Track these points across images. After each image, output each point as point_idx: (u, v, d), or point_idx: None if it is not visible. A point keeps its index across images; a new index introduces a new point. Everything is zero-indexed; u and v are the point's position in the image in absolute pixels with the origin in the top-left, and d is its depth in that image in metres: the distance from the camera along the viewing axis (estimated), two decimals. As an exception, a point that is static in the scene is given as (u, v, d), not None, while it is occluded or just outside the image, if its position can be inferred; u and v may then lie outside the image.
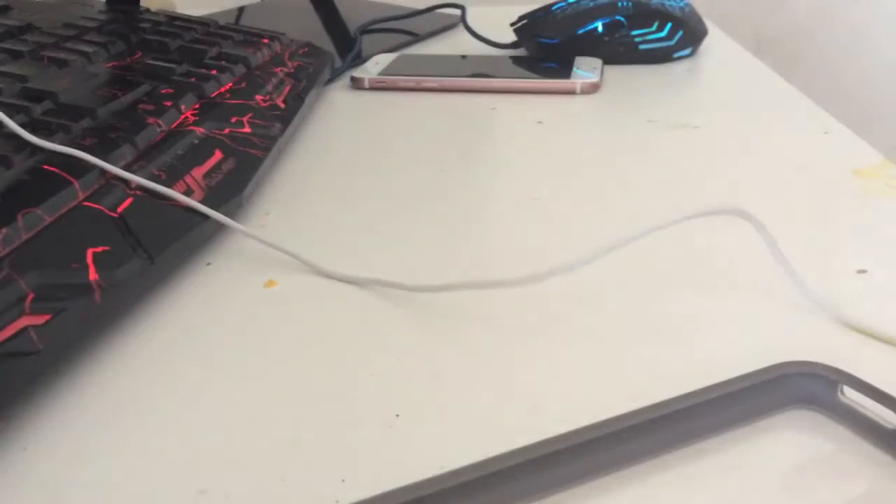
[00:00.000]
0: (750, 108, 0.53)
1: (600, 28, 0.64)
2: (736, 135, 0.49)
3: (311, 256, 0.35)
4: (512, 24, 0.68)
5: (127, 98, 0.40)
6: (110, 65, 0.46)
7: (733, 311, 0.31)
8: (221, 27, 0.57)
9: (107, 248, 0.30)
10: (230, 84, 0.47)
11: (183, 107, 0.42)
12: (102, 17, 0.54)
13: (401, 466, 0.24)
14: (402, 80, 0.59)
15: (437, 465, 0.24)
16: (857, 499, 0.23)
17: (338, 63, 0.64)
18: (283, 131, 0.45)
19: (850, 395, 0.25)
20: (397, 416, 0.26)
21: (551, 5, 0.66)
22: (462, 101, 0.57)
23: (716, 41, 0.70)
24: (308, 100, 0.52)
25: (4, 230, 0.28)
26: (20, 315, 0.26)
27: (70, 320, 0.27)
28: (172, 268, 0.34)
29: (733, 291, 0.33)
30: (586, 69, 0.60)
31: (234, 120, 0.43)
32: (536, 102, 0.56)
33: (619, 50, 0.64)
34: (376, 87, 0.60)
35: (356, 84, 0.60)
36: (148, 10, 0.58)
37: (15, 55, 0.44)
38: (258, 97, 0.47)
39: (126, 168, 0.35)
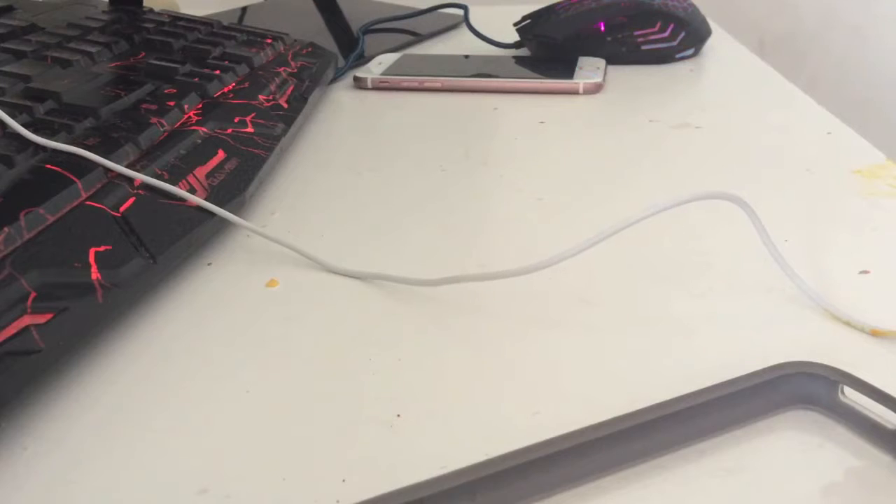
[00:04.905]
0: (753, 109, 0.53)
1: (603, 28, 0.64)
2: (739, 135, 0.49)
3: (315, 254, 0.35)
4: (515, 24, 0.68)
5: (130, 98, 0.41)
6: (113, 65, 0.46)
7: (734, 312, 0.31)
8: (224, 27, 0.57)
9: (109, 247, 0.30)
10: (233, 84, 0.47)
11: (186, 107, 0.42)
12: (106, 17, 0.54)
13: (402, 467, 0.24)
14: (405, 80, 0.60)
15: (438, 465, 0.24)
16: (858, 499, 0.23)
17: (341, 63, 0.64)
18: (286, 131, 0.45)
19: (851, 396, 0.25)
20: (398, 416, 0.26)
21: (554, 5, 0.66)
22: (465, 101, 0.57)
23: (719, 42, 0.70)
24: (311, 100, 0.52)
25: (7, 229, 0.28)
26: (22, 314, 0.26)
27: (72, 319, 0.27)
28: (174, 267, 0.34)
29: (735, 291, 0.33)
30: (589, 69, 0.60)
31: (237, 120, 0.43)
32: (539, 102, 0.56)
33: (621, 50, 0.64)
34: (379, 87, 0.60)
35: (359, 84, 0.60)
36: (151, 11, 0.58)
37: (18, 55, 0.44)
38: (261, 97, 0.47)
39: (128, 168, 0.35)
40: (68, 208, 0.31)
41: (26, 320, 0.26)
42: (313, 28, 0.74)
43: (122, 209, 0.32)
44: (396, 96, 0.58)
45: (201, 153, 0.39)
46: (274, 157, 0.43)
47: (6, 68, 0.41)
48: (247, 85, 0.48)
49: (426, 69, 0.61)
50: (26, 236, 0.29)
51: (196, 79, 0.45)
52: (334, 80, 0.62)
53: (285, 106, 0.48)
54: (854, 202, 0.40)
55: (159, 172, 0.36)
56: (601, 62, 0.62)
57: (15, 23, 0.48)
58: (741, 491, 0.23)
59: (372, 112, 0.55)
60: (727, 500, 0.23)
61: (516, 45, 0.68)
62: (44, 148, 0.34)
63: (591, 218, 0.39)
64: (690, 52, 0.66)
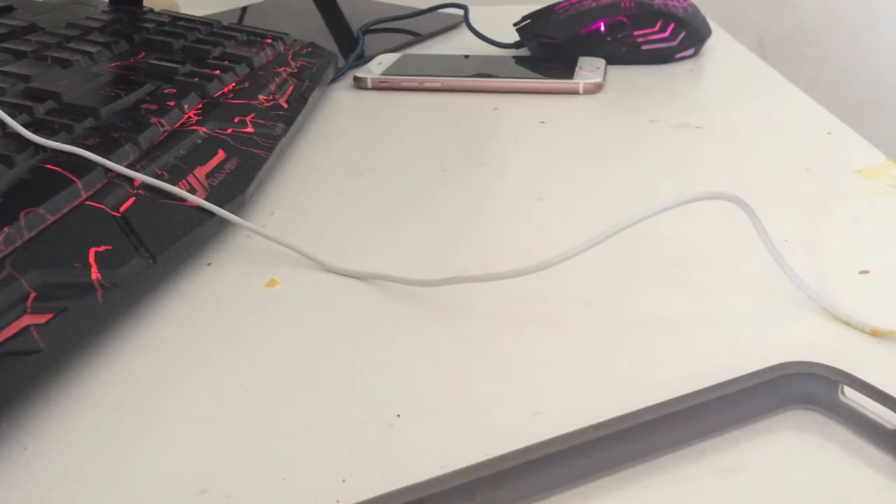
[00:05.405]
0: (753, 109, 0.53)
1: (603, 28, 0.64)
2: (738, 135, 0.49)
3: (315, 254, 0.35)
4: (515, 24, 0.68)
5: (130, 98, 0.41)
6: (113, 65, 0.46)
7: (734, 312, 0.31)
8: (224, 27, 0.57)
9: (109, 247, 0.30)
10: (233, 84, 0.47)
11: (186, 107, 0.42)
12: (106, 17, 0.54)
13: (402, 467, 0.24)
14: (405, 80, 0.60)
15: (438, 465, 0.24)
16: (858, 499, 0.23)
17: (341, 63, 0.64)
18: (286, 131, 0.45)
19: (851, 396, 0.25)
20: (398, 415, 0.26)
21: (554, 5, 0.66)
22: (465, 101, 0.57)
23: (719, 41, 0.70)
24: (311, 100, 0.52)
25: (7, 229, 0.28)
26: (22, 314, 0.26)
27: (72, 319, 0.27)
28: (174, 267, 0.34)
29: (735, 291, 0.33)
30: (589, 69, 0.60)
31: (237, 120, 0.43)
32: (539, 102, 0.56)
33: (621, 50, 0.64)
34: (379, 87, 0.60)
35: (359, 84, 0.60)
36: (151, 11, 0.58)
37: (18, 55, 0.44)
38: (261, 97, 0.47)
39: (128, 168, 0.35)
40: (68, 208, 0.31)
41: (26, 320, 0.26)
42: (313, 28, 0.74)
43: (122, 209, 0.32)
44: (396, 96, 0.58)
45: (201, 153, 0.39)
46: (274, 157, 0.43)
47: (6, 68, 0.41)
48: (247, 85, 0.48)
49: (426, 69, 0.61)
50: (26, 236, 0.29)
51: (196, 79, 0.45)
52: (334, 80, 0.62)
53: (285, 106, 0.48)
54: (854, 202, 0.40)
55: (159, 172, 0.36)
56: (601, 62, 0.62)
57: (15, 23, 0.48)
58: (741, 491, 0.23)
59: (372, 112, 0.55)
60: (727, 500, 0.23)
61: (516, 45, 0.68)
62: (44, 148, 0.34)
63: (591, 218, 0.39)
64: (690, 52, 0.66)
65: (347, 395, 0.27)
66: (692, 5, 0.66)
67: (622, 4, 0.63)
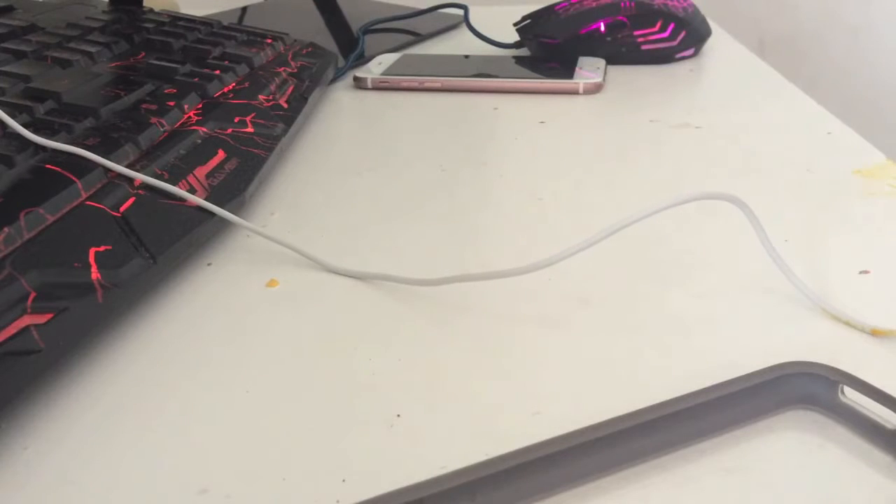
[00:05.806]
0: (753, 109, 0.53)
1: (603, 28, 0.64)
2: (739, 135, 0.49)
3: (315, 254, 0.35)
4: (515, 24, 0.68)
5: (130, 98, 0.41)
6: (113, 65, 0.46)
7: (734, 312, 0.31)
8: (224, 27, 0.57)
9: (109, 247, 0.30)
10: (233, 84, 0.47)
11: (186, 107, 0.42)
12: (106, 17, 0.54)
13: (402, 467, 0.24)
14: (404, 80, 0.60)
15: (438, 465, 0.24)
16: (858, 499, 0.23)
17: (341, 63, 0.64)
18: (286, 131, 0.45)
19: (851, 396, 0.25)
20: (398, 416, 0.26)
21: (554, 5, 0.66)
22: (465, 101, 0.57)
23: (719, 42, 0.70)
24: (311, 100, 0.52)
25: (7, 229, 0.28)
26: (22, 314, 0.26)
27: (72, 319, 0.27)
28: (174, 267, 0.34)
29: (734, 292, 0.33)
30: (589, 69, 0.60)
31: (236, 120, 0.43)
32: (539, 102, 0.56)
33: (621, 50, 0.64)
34: (379, 87, 0.60)
35: (359, 84, 0.60)
36: (151, 11, 0.58)
37: (18, 55, 0.44)
38: (261, 97, 0.47)
39: (128, 168, 0.35)
40: (68, 208, 0.31)
41: (26, 320, 0.26)
42: (313, 28, 0.74)
43: (122, 209, 0.32)
44: (396, 96, 0.58)
45: (201, 153, 0.39)
46: (274, 157, 0.43)
47: (6, 68, 0.41)
48: (247, 85, 0.48)
49: (426, 69, 0.61)
50: (26, 236, 0.29)
51: (196, 79, 0.45)
52: (334, 80, 0.62)
53: (285, 106, 0.48)
54: (854, 202, 0.40)
55: (159, 172, 0.36)
56: (601, 62, 0.62)
57: (15, 23, 0.48)
58: (741, 491, 0.23)
59: (372, 112, 0.55)
60: (727, 500, 0.23)
61: (516, 45, 0.68)
62: (44, 148, 0.34)
63: (591, 218, 0.39)
64: (690, 52, 0.66)
65: (347, 395, 0.27)
66: (692, 5, 0.66)
67: (622, 4, 0.63)
